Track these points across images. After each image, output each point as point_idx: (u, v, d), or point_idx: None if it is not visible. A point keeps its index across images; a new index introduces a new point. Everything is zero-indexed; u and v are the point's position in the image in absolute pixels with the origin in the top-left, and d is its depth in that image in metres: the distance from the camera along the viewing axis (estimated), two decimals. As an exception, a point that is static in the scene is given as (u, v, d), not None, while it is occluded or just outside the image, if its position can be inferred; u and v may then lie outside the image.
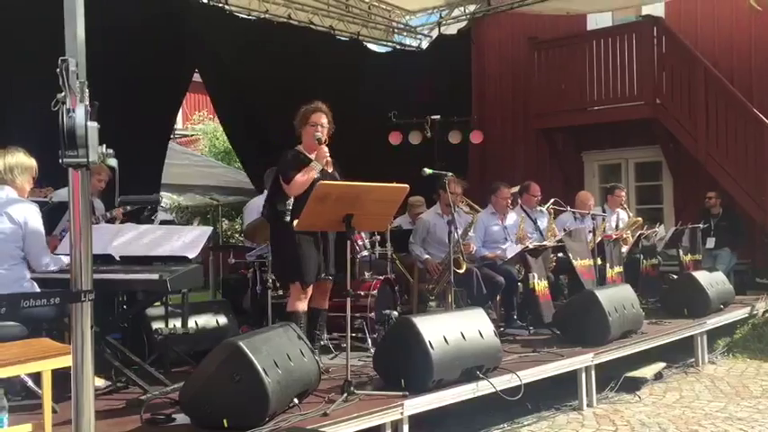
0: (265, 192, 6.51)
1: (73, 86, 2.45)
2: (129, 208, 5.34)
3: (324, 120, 4.85)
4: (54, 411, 3.53)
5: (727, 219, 9.42)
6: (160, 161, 8.71)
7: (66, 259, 4.17)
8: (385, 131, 10.62)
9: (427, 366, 4.19)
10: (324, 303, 5.07)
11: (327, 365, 4.98)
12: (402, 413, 4.01)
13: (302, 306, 4.78)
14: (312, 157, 4.81)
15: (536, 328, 6.45)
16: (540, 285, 6.50)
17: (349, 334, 4.32)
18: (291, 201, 4.68)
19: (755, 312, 7.88)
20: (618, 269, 7.53)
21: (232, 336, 4.62)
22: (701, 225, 8.95)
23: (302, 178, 4.69)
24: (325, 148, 4.75)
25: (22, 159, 4.32)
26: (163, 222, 5.41)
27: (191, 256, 4.40)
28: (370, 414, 3.85)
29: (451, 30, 11.75)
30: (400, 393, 4.11)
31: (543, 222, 7.49)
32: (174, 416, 3.75)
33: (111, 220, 5.63)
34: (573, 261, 6.78)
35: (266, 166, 6.70)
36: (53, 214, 4.91)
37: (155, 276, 4.11)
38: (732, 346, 7.35)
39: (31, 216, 4.21)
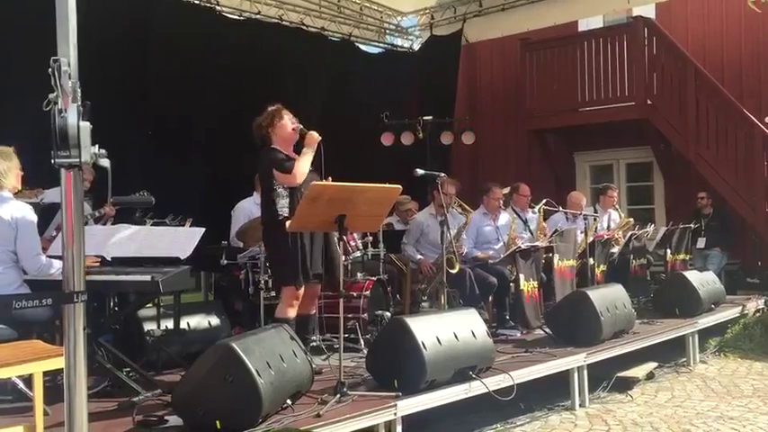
0: (255, 194, 6.54)
1: (65, 86, 2.43)
2: (117, 207, 5.31)
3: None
4: (46, 413, 3.51)
5: (718, 219, 9.45)
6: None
7: (59, 263, 4.11)
8: (377, 132, 10.62)
9: (420, 367, 4.19)
10: (312, 308, 5.02)
11: (320, 366, 4.97)
12: (395, 414, 4.01)
13: (293, 313, 4.72)
14: (288, 153, 4.80)
15: (523, 328, 6.46)
16: (528, 286, 6.52)
17: (342, 335, 4.32)
18: (286, 201, 4.65)
19: (746, 312, 7.92)
20: (602, 267, 7.56)
21: (224, 337, 4.62)
22: (692, 225, 8.98)
23: (304, 162, 4.65)
24: (315, 133, 4.73)
25: (6, 152, 4.26)
26: (155, 223, 5.38)
27: (183, 256, 4.39)
28: (363, 415, 3.85)
29: (443, 31, 11.75)
30: (393, 394, 4.12)
31: (534, 223, 7.51)
32: (166, 417, 3.74)
33: (100, 218, 5.60)
34: (554, 261, 6.80)
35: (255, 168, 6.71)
36: (43, 215, 4.88)
37: (146, 278, 4.11)
38: (723, 345, 7.38)
39: (24, 216, 4.13)
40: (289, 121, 4.80)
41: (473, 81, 12.80)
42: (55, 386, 3.90)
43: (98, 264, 4.24)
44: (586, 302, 5.82)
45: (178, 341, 5.14)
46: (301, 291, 4.71)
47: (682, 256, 8.65)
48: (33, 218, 4.20)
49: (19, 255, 4.14)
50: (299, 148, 4.84)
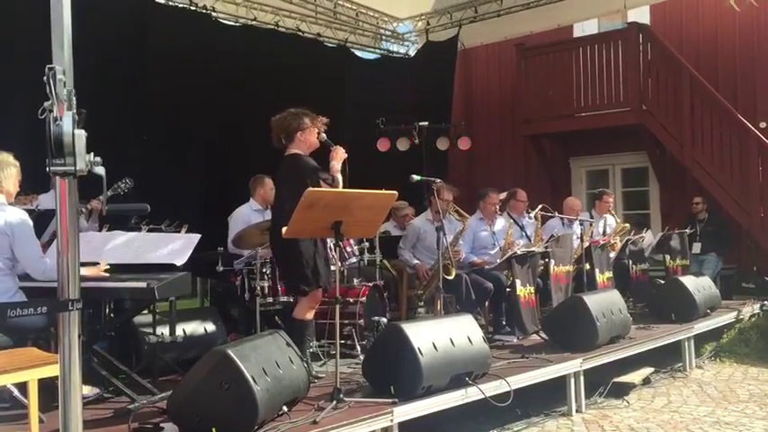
0: (251, 200, 6.55)
1: (60, 94, 2.42)
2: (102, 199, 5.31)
3: None
4: (41, 421, 3.50)
5: (713, 224, 9.47)
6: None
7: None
8: (373, 138, 10.62)
9: (416, 373, 4.19)
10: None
11: (316, 372, 4.97)
12: (392, 420, 4.00)
13: (311, 315, 4.83)
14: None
15: (519, 334, 6.46)
16: (524, 292, 6.51)
17: (338, 341, 4.31)
18: None
19: (742, 317, 7.92)
20: (608, 274, 7.57)
21: (220, 343, 4.61)
22: (687, 230, 9.00)
23: (339, 171, 4.74)
24: (341, 149, 4.84)
25: (5, 158, 4.25)
26: (151, 230, 5.38)
27: (179, 263, 4.38)
28: (360, 421, 3.84)
29: (439, 36, 11.77)
30: (390, 400, 4.11)
31: (530, 229, 7.51)
32: (162, 425, 3.73)
33: (89, 214, 5.58)
34: (550, 267, 6.81)
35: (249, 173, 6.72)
36: (38, 221, 4.86)
37: (142, 284, 4.09)
38: (719, 350, 7.38)
39: (19, 222, 4.09)
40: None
41: (469, 86, 12.84)
42: (50, 394, 3.88)
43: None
44: (582, 308, 5.82)
45: (174, 348, 5.14)
46: (319, 294, 4.81)
47: (682, 262, 8.66)
48: (29, 223, 4.15)
49: (21, 261, 4.10)
50: None
